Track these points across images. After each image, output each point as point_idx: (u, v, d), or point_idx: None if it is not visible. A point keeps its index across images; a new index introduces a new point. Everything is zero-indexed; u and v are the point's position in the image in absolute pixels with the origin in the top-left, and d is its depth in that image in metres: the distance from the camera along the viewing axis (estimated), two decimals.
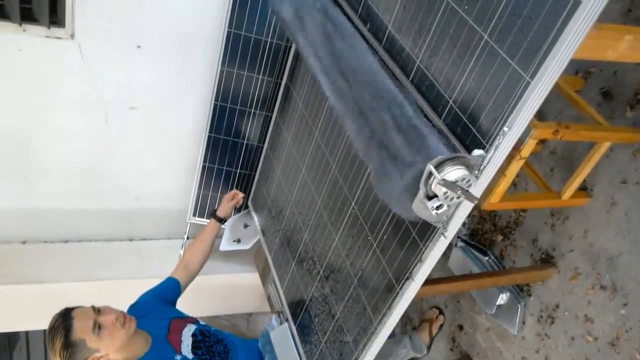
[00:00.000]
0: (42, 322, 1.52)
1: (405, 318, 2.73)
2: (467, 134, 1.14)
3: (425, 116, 1.20)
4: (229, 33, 2.16)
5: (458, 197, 1.03)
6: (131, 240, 2.78)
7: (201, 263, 1.96)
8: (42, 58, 2.07)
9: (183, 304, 1.84)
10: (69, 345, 1.38)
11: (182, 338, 1.65)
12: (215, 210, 2.10)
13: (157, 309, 1.73)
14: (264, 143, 2.32)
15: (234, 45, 2.19)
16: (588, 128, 1.61)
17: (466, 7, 1.14)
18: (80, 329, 1.39)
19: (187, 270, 1.90)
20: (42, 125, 2.26)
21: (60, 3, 1.98)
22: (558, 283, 1.97)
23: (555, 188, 1.83)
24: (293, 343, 1.92)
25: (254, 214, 2.43)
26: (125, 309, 1.62)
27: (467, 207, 1.15)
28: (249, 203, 2.49)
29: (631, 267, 1.74)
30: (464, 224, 2.39)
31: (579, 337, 1.90)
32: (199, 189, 2.51)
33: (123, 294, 1.75)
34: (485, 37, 1.10)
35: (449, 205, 1.06)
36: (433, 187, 1.04)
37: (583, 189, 1.86)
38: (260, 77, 2.29)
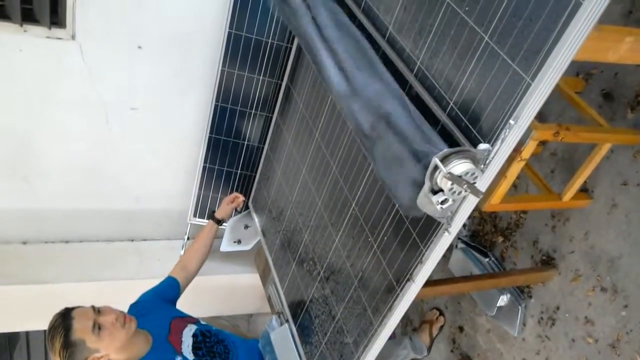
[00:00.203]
0: (42, 322, 1.51)
1: (406, 319, 2.73)
2: (468, 135, 1.14)
3: (430, 111, 1.19)
4: (229, 34, 2.16)
5: (464, 191, 1.02)
6: (132, 240, 2.78)
7: (199, 264, 1.96)
8: (43, 58, 2.07)
9: (184, 305, 1.84)
10: (68, 345, 1.38)
11: (183, 338, 1.65)
12: (214, 212, 2.10)
13: (158, 307, 1.74)
14: (264, 144, 2.32)
15: (235, 46, 2.19)
16: (589, 129, 1.61)
17: (467, 8, 1.14)
18: (80, 329, 1.39)
19: (185, 270, 1.91)
20: (43, 125, 2.26)
21: (61, 4, 1.98)
22: (559, 285, 1.97)
23: (556, 189, 1.83)
24: (293, 344, 1.92)
25: (254, 215, 2.43)
26: (125, 309, 1.62)
27: (471, 202, 1.14)
28: (250, 204, 2.49)
29: (632, 269, 1.74)
30: (464, 225, 2.39)
31: (579, 339, 1.90)
32: (200, 189, 2.51)
33: (123, 295, 1.75)
34: (486, 38, 1.09)
35: (454, 200, 1.05)
36: (439, 180, 1.03)
37: (584, 190, 1.86)
38: (261, 78, 2.29)
